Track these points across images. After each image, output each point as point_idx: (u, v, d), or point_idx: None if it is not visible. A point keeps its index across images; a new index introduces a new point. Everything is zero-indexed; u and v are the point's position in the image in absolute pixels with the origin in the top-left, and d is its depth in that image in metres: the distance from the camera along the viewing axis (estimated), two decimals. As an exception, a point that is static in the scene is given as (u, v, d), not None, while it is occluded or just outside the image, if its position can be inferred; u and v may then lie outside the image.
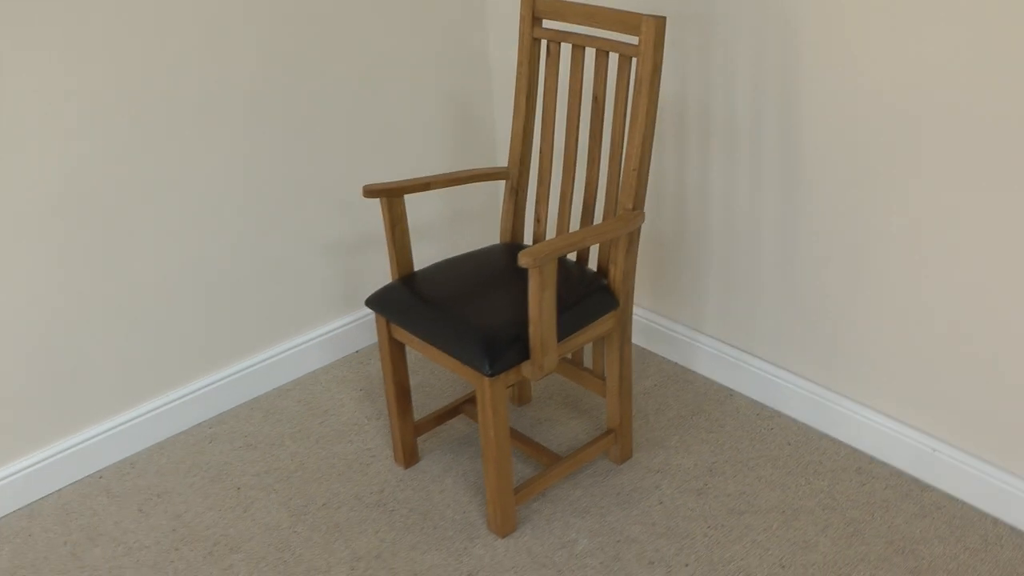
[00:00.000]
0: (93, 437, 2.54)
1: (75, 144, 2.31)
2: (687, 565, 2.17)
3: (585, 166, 2.51)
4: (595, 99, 2.26)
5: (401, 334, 2.30)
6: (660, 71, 2.10)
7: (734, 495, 2.35)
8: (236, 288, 2.71)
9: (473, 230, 3.19)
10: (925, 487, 2.34)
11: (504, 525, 2.26)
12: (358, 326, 3.00)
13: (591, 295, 2.23)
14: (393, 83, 2.84)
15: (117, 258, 2.46)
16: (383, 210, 2.30)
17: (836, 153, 2.26)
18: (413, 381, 2.87)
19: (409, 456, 2.50)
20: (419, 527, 2.31)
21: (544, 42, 2.34)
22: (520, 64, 2.36)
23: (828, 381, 2.50)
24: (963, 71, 1.96)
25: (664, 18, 2.06)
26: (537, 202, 2.42)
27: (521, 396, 2.72)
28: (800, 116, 2.29)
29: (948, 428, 2.29)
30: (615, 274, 2.25)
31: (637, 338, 2.97)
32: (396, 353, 2.36)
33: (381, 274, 3.01)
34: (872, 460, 2.43)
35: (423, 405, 2.76)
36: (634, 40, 2.33)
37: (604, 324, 2.26)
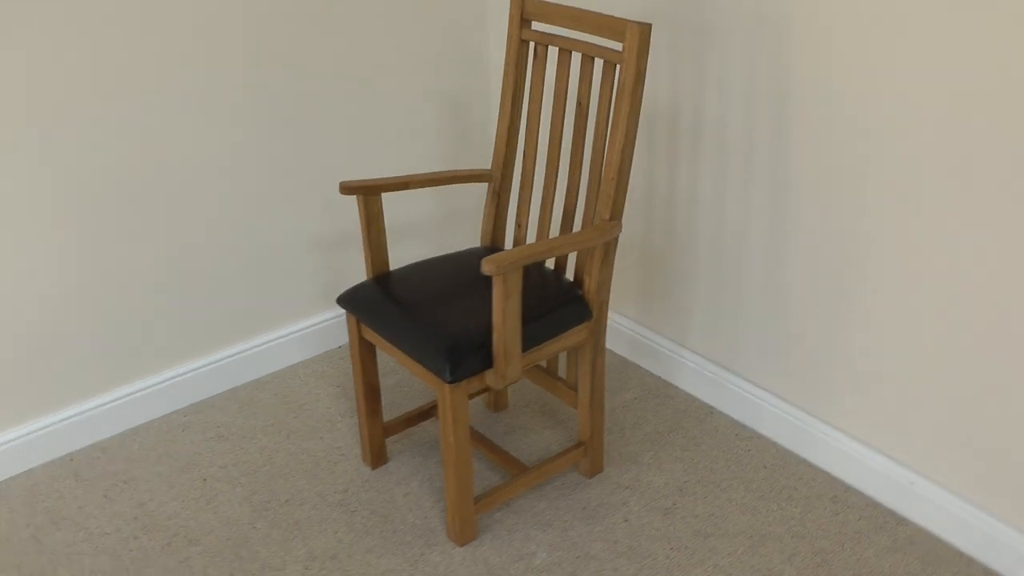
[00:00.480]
0: (66, 419, 2.54)
1: (61, 132, 2.30)
2: (644, 586, 2.13)
3: (568, 172, 2.47)
4: (579, 105, 2.22)
5: (370, 334, 2.27)
6: (643, 79, 2.05)
7: (702, 517, 2.30)
8: (220, 278, 2.70)
9: (465, 230, 3.15)
10: (901, 520, 2.27)
11: (463, 533, 2.22)
12: (341, 322, 2.97)
13: (564, 305, 2.18)
14: (390, 81, 2.81)
15: (99, 243, 2.45)
16: (359, 208, 2.27)
17: (823, 175, 2.19)
18: (391, 381, 2.84)
19: (377, 457, 2.47)
20: (378, 530, 2.28)
21: (532, 44, 2.30)
22: (507, 66, 2.32)
23: (809, 405, 2.44)
24: (962, 85, 1.90)
25: (649, 25, 2.01)
26: (519, 206, 2.38)
27: (497, 402, 2.68)
28: (790, 136, 2.23)
29: (928, 461, 2.22)
30: (589, 285, 2.21)
31: (621, 349, 2.92)
32: (366, 353, 2.33)
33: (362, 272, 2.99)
34: (849, 489, 2.37)
35: (399, 405, 2.73)
36: (619, 46, 2.28)
37: (576, 335, 2.21)
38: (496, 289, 1.95)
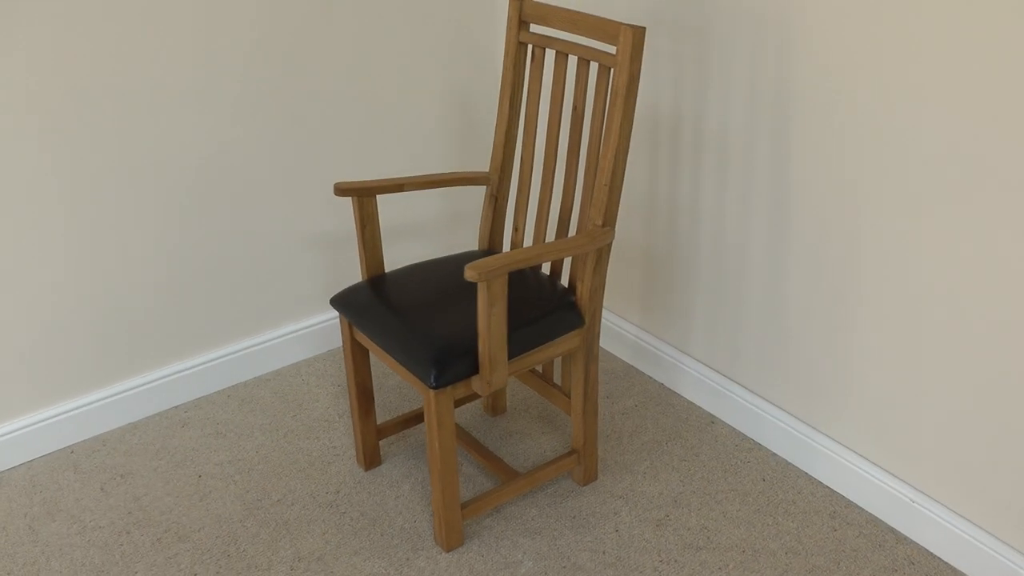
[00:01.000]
0: (69, 411, 2.56)
1: (65, 129, 2.31)
2: (628, 599, 2.10)
3: (564, 177, 2.43)
4: (575, 109, 2.18)
5: (361, 337, 2.26)
6: (637, 83, 2.00)
7: (695, 529, 2.26)
8: (224, 275, 2.70)
9: (469, 231, 3.13)
10: (901, 538, 2.21)
11: (449, 539, 2.20)
12: (350, 320, 2.97)
13: (555, 311, 2.15)
14: (398, 80, 2.80)
15: (105, 239, 2.46)
16: (354, 209, 2.26)
17: (823, 186, 2.14)
18: (392, 382, 2.83)
19: (370, 458, 2.46)
20: (366, 532, 2.27)
21: (530, 47, 2.26)
22: (505, 69, 2.29)
23: (810, 417, 2.39)
24: (963, 97, 1.83)
25: (643, 28, 1.97)
26: (516, 210, 2.35)
27: (495, 406, 2.66)
28: (789, 145, 2.17)
29: (930, 479, 2.16)
30: (582, 291, 2.17)
31: (624, 354, 2.88)
32: (359, 354, 2.32)
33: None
34: (849, 504, 2.31)
35: (396, 407, 2.72)
36: (615, 50, 2.22)
37: (567, 342, 2.18)
38: (480, 295, 1.93)
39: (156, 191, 2.51)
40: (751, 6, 2.17)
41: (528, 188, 2.32)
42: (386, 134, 2.84)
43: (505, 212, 2.42)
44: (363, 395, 2.37)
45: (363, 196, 2.25)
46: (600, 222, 2.10)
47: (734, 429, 2.57)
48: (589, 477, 2.40)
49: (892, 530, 2.24)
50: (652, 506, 2.33)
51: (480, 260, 1.91)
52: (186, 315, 2.68)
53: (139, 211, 2.50)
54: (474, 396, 2.53)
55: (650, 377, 2.80)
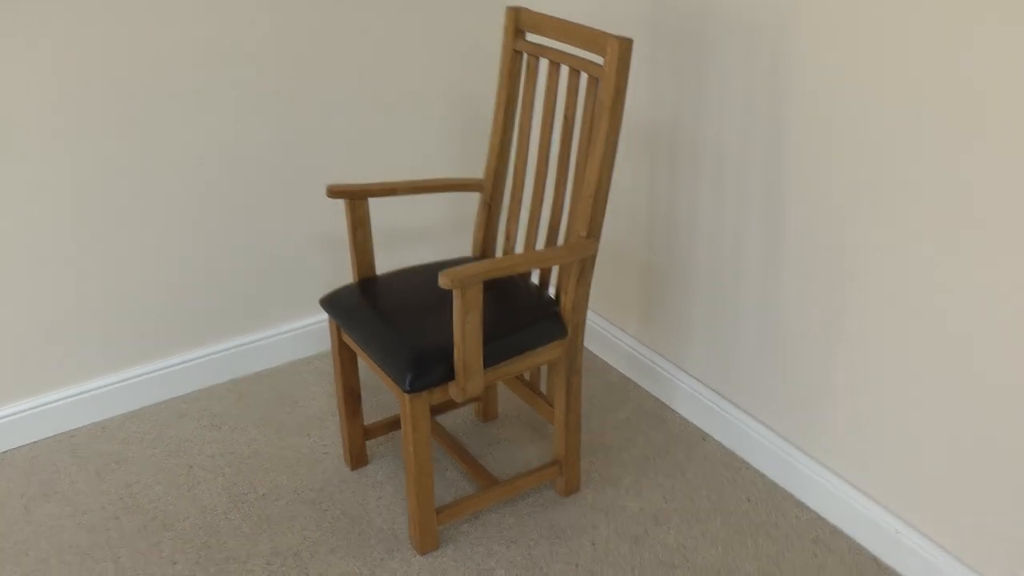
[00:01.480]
0: (72, 396, 2.63)
1: (74, 126, 2.37)
2: (595, 613, 2.09)
3: (554, 186, 2.43)
4: (565, 119, 2.18)
5: (346, 337, 2.28)
6: (624, 95, 2.00)
7: (671, 547, 2.24)
8: (229, 271, 2.75)
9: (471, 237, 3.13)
10: (883, 568, 2.17)
11: (423, 543, 2.21)
12: (356, 319, 3.00)
13: (538, 321, 2.15)
14: (403, 83, 2.82)
15: (112, 232, 2.52)
16: (346, 211, 2.28)
17: (817, 207, 2.11)
18: (383, 384, 2.84)
19: (356, 458, 2.48)
20: (344, 531, 2.29)
21: (525, 55, 2.27)
22: (501, 76, 2.30)
23: (800, 440, 2.35)
24: (964, 112, 1.80)
25: (631, 40, 1.96)
26: (508, 218, 2.35)
27: (486, 412, 2.66)
28: (783, 163, 2.15)
29: (915, 511, 2.11)
30: (565, 302, 2.17)
31: (621, 366, 2.86)
32: (346, 355, 2.34)
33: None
34: (833, 531, 2.27)
35: (388, 408, 2.74)
36: (603, 61, 2.22)
37: (549, 352, 2.18)
38: (455, 303, 1.93)
39: (165, 188, 2.56)
40: (748, 17, 2.14)
41: (520, 196, 2.32)
42: (392, 137, 2.86)
43: (498, 219, 2.42)
44: (350, 396, 2.39)
45: (355, 199, 2.28)
46: (584, 233, 2.09)
47: (725, 448, 2.54)
48: (571, 488, 2.40)
49: (874, 559, 2.20)
50: (632, 521, 2.31)
51: (454, 268, 1.92)
52: (190, 309, 2.73)
53: (147, 206, 2.55)
54: (446, 405, 2.55)
55: (646, 391, 2.78)
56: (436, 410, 2.59)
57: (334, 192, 2.26)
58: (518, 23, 2.25)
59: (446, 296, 2.22)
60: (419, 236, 3.02)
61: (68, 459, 2.55)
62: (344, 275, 2.96)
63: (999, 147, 1.71)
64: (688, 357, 2.61)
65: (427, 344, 2.05)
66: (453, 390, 2.06)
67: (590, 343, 3.00)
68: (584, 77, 2.37)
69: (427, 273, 2.33)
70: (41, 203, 2.41)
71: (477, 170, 3.05)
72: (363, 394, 2.79)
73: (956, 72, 1.74)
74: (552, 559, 2.21)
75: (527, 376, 2.46)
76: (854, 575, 2.15)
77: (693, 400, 2.61)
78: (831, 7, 1.95)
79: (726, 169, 2.31)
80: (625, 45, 1.96)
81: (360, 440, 2.46)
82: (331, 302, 2.28)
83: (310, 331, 2.95)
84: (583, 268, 2.13)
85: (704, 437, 2.58)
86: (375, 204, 2.91)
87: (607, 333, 2.89)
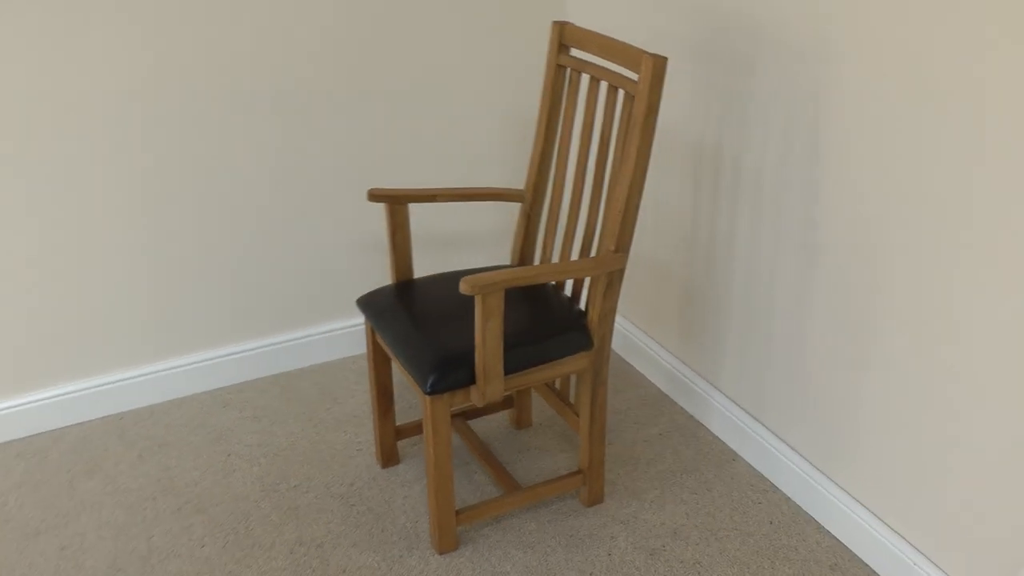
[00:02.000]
0: (125, 380, 2.75)
1: (163, 129, 2.50)
2: (603, 623, 2.10)
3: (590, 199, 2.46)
4: (602, 134, 2.21)
5: (379, 337, 2.34)
6: (656, 112, 2.02)
7: (687, 563, 2.24)
8: (283, 269, 2.84)
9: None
10: (902, 600, 2.15)
11: (442, 542, 2.26)
12: (402, 321, 3.06)
13: (565, 332, 2.18)
14: (459, 91, 2.88)
15: (170, 229, 2.64)
16: (386, 215, 2.34)
17: (850, 238, 2.10)
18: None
19: (388, 457, 2.54)
20: (368, 527, 2.35)
21: (568, 70, 2.30)
22: (544, 90, 2.34)
23: (825, 466, 2.33)
24: (1013, 146, 1.78)
25: (665, 58, 1.98)
26: (546, 229, 2.39)
27: (520, 420, 2.70)
28: (819, 192, 2.14)
29: (933, 544, 2.08)
30: (592, 314, 2.19)
31: (659, 382, 2.87)
32: (380, 355, 2.40)
33: (422, 274, 3.07)
34: (853, 558, 2.25)
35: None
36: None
37: (574, 363, 2.21)
38: (476, 309, 1.98)
39: (224, 187, 2.66)
40: (791, 41, 2.15)
41: (558, 208, 2.36)
42: (446, 145, 2.92)
43: (537, 230, 2.46)
44: (383, 395, 2.45)
45: (395, 203, 2.34)
46: (613, 247, 2.12)
47: (753, 469, 2.53)
48: (594, 499, 2.42)
49: (894, 590, 2.18)
50: (651, 535, 2.32)
51: (476, 275, 1.96)
52: (243, 304, 2.83)
53: (209, 205, 2.66)
54: (470, 410, 2.59)
55: (681, 407, 2.78)
56: (469, 415, 2.64)
57: (375, 196, 2.33)
58: (562, 38, 2.29)
59: (474, 302, 2.26)
60: (467, 242, 3.07)
61: (115, 440, 2.66)
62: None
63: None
64: (722, 376, 2.61)
65: (451, 348, 2.09)
66: (474, 394, 2.10)
67: (631, 357, 3.02)
68: (621, 93, 2.40)
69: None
70: (116, 198, 2.54)
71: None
72: (399, 395, 2.86)
73: (1018, 101, 1.73)
74: (567, 566, 2.23)
75: (557, 385, 2.49)
76: (872, 605, 2.14)
77: (725, 419, 2.61)
78: (875, 33, 1.94)
79: (764, 192, 2.31)
80: (659, 62, 1.99)
81: (391, 439, 2.52)
82: (366, 302, 2.34)
83: (357, 331, 3.03)
84: (611, 281, 2.15)
85: (734, 457, 2.58)
86: (428, 210, 2.97)
87: (648, 348, 2.90)
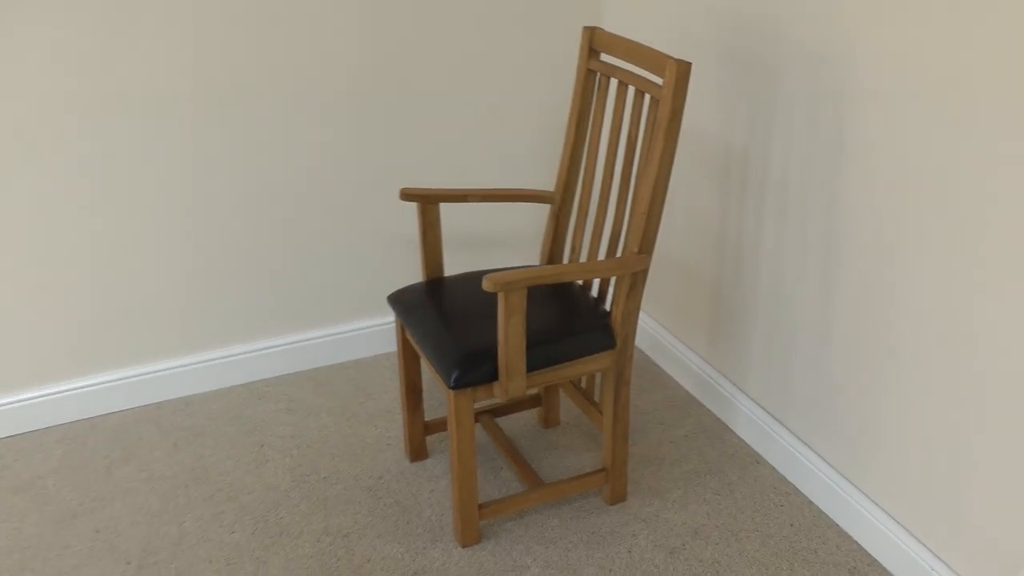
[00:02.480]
0: (163, 370, 2.83)
1: (201, 129, 2.58)
2: (620, 619, 2.13)
3: (616, 201, 2.49)
4: (629, 138, 2.24)
5: (408, 333, 2.39)
6: (680, 116, 2.05)
7: (706, 562, 2.26)
8: (321, 266, 2.91)
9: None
10: (921, 605, 2.15)
11: (464, 535, 2.30)
12: (436, 320, 3.12)
13: (589, 331, 2.21)
14: (500, 93, 2.93)
15: (218, 223, 2.72)
16: (418, 214, 2.39)
17: (872, 243, 2.11)
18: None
19: (416, 452, 2.59)
20: (394, 519, 2.40)
21: (597, 74, 2.34)
22: (575, 94, 2.38)
23: (848, 470, 2.34)
24: (1021, 153, 1.79)
25: (688, 63, 2.01)
26: (574, 229, 2.43)
27: (548, 418, 2.73)
28: (842, 198, 2.15)
29: (951, 551, 2.08)
30: (616, 314, 2.23)
31: (687, 383, 2.89)
32: (409, 351, 2.45)
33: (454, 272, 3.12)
34: (872, 562, 2.25)
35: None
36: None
37: (597, 362, 2.24)
38: (499, 306, 2.02)
39: (264, 183, 2.73)
40: (815, 48, 2.16)
41: (586, 210, 2.39)
42: (482, 146, 2.97)
43: (567, 230, 2.50)
44: (412, 390, 2.50)
45: (426, 203, 2.39)
46: (636, 249, 2.15)
47: (777, 472, 2.54)
48: (617, 497, 2.44)
49: (914, 595, 2.18)
50: (672, 533, 2.35)
51: (499, 273, 2.00)
52: (280, 299, 2.90)
53: (246, 201, 2.73)
54: (495, 407, 2.63)
55: (708, 409, 2.80)
56: (498, 412, 2.68)
57: (407, 195, 2.38)
58: (592, 43, 2.33)
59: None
60: (499, 242, 3.12)
61: (152, 428, 2.74)
62: (424, 276, 3.08)
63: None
64: (749, 379, 2.63)
65: (475, 344, 2.14)
66: (496, 390, 2.14)
67: (660, 359, 3.04)
68: (648, 97, 2.43)
69: (490, 277, 2.43)
70: (163, 196, 2.62)
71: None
72: (428, 391, 2.91)
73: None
74: (587, 562, 2.26)
75: (583, 384, 2.53)
76: (891, 610, 2.14)
77: (751, 423, 2.62)
78: (899, 35, 1.96)
79: (790, 197, 2.33)
80: (683, 67, 2.01)
81: (420, 434, 2.57)
82: (396, 299, 2.39)
83: (393, 328, 3.08)
84: (634, 282, 2.19)
85: (758, 460, 2.59)
86: (463, 210, 3.02)
87: (676, 350, 2.93)
